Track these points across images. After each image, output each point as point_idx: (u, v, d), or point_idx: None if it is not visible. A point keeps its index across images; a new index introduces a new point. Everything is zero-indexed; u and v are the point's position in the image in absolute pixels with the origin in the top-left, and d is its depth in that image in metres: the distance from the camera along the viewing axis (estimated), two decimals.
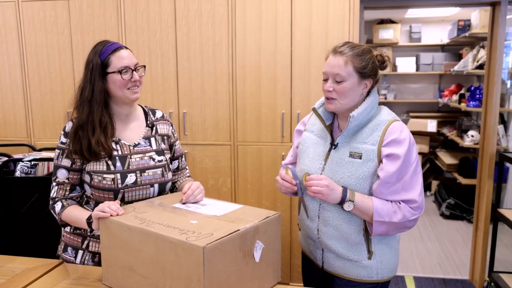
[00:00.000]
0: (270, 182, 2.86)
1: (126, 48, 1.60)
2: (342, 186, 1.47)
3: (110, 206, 1.39)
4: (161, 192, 1.66)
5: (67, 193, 1.60)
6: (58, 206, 1.57)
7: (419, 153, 5.48)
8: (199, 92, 2.86)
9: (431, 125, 5.62)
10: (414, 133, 5.52)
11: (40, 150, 2.92)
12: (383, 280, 1.57)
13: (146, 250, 1.26)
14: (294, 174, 1.55)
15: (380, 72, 1.55)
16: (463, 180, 4.69)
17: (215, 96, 2.84)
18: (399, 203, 1.45)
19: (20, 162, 2.64)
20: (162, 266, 1.22)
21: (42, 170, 2.68)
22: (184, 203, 1.49)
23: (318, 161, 1.56)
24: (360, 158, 1.47)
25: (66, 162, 1.58)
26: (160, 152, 1.68)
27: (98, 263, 1.58)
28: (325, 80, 1.51)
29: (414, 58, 5.87)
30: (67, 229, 1.66)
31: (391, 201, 1.46)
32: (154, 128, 1.72)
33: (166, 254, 1.21)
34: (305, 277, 1.79)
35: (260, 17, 2.72)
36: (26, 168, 2.65)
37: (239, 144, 2.86)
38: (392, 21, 5.82)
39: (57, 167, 1.60)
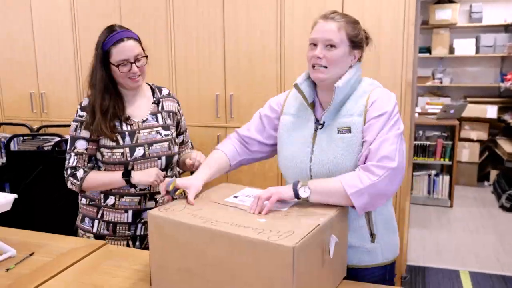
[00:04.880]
0: None
1: (130, 38, 1.65)
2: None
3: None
4: (168, 164, 1.75)
5: (85, 163, 1.69)
6: (80, 172, 1.66)
7: (477, 140, 5.20)
8: (247, 75, 2.81)
9: (491, 111, 5.29)
10: (472, 119, 5.23)
11: None
12: (389, 261, 1.48)
13: (211, 251, 1.14)
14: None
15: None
16: None
17: (262, 79, 2.78)
18: (360, 169, 1.32)
19: None
20: (231, 269, 1.12)
21: None
22: (236, 197, 1.38)
23: (305, 146, 1.44)
24: (350, 132, 1.37)
25: (85, 133, 1.68)
26: (166, 127, 1.77)
27: (113, 232, 1.70)
28: (313, 45, 1.39)
29: (473, 40, 5.53)
30: (83, 201, 1.77)
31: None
32: (160, 104, 1.80)
33: (239, 256, 1.10)
34: None
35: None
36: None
37: None
38: (450, 1, 5.50)
39: (75, 139, 1.68)
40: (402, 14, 2.46)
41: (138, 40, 1.70)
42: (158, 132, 1.74)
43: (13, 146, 2.91)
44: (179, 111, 1.88)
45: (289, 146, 1.48)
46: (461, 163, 5.18)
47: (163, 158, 1.72)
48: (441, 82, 5.75)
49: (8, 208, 1.49)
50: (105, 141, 1.66)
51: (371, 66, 2.56)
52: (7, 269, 1.39)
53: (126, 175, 1.64)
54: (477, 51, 5.54)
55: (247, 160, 1.60)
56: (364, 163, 1.32)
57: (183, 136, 1.92)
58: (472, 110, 5.19)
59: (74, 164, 1.68)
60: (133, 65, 1.64)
